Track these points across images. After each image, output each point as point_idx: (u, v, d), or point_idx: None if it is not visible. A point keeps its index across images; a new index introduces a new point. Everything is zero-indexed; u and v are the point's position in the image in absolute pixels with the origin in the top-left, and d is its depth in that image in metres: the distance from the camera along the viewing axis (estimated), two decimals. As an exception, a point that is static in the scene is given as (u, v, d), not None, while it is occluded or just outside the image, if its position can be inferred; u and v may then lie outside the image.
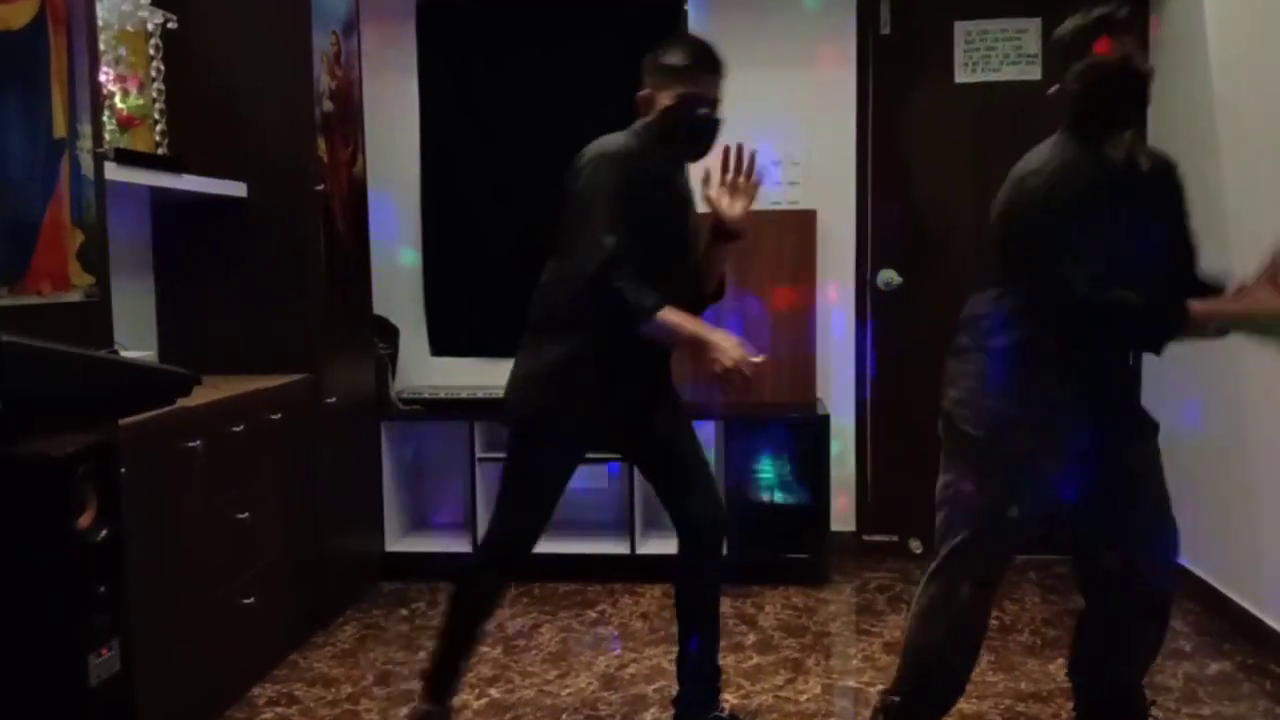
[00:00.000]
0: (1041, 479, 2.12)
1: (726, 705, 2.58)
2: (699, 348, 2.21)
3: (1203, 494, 3.45)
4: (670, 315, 2.20)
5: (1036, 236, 2.07)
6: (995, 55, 3.94)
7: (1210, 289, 2.15)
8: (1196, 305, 2.01)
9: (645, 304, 2.18)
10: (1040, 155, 2.13)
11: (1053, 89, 2.16)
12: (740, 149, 2.38)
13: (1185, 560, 3.56)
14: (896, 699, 2.26)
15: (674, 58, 2.33)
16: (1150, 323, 2.04)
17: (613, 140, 2.33)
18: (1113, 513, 2.17)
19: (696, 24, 3.99)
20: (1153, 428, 2.24)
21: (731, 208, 2.37)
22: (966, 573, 2.18)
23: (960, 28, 3.95)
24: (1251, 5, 3.16)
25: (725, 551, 3.80)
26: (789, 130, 4.00)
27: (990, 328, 2.17)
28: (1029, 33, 3.92)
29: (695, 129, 2.33)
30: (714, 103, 2.35)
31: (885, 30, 4.00)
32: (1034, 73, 3.91)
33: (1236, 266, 3.10)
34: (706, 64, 2.33)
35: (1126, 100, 2.11)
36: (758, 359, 2.24)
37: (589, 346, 2.32)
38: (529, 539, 2.46)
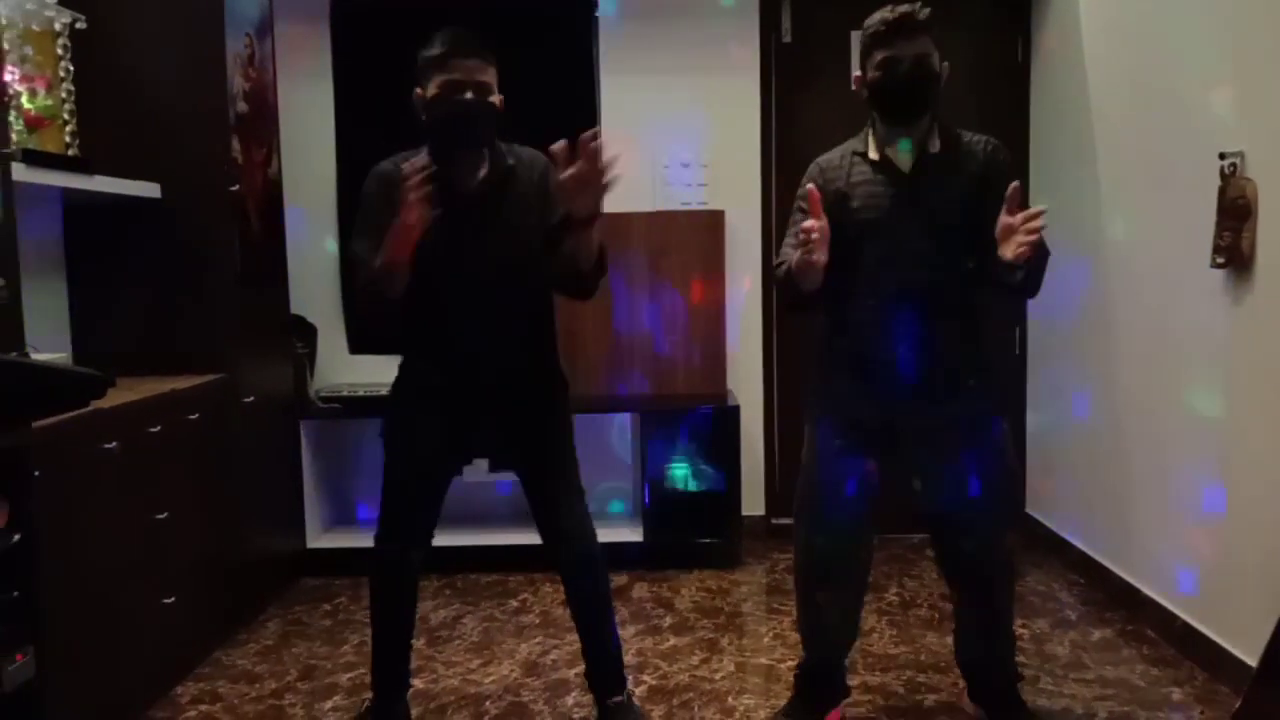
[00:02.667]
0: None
1: (633, 691, 2.64)
2: (403, 230, 2.14)
3: (1084, 475, 3.68)
4: (378, 256, 2.20)
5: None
6: (890, 63, 4.13)
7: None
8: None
9: (370, 266, 2.23)
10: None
11: (855, 79, 2.34)
12: (586, 137, 2.08)
13: (1069, 535, 3.80)
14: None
15: (430, 49, 2.26)
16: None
17: (386, 160, 2.38)
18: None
19: (608, 30, 4.10)
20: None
21: (572, 200, 2.13)
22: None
23: (856, 36, 4.08)
24: (1124, 20, 3.37)
25: (649, 540, 3.90)
26: (697, 133, 4.14)
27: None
28: (921, 41, 4.11)
29: (459, 115, 2.25)
30: (479, 86, 2.25)
31: (786, 38, 4.16)
32: (927, 79, 4.11)
33: (1111, 259, 3.34)
34: (462, 49, 2.24)
35: (914, 97, 2.26)
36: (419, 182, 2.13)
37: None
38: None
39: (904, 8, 2.23)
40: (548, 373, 2.50)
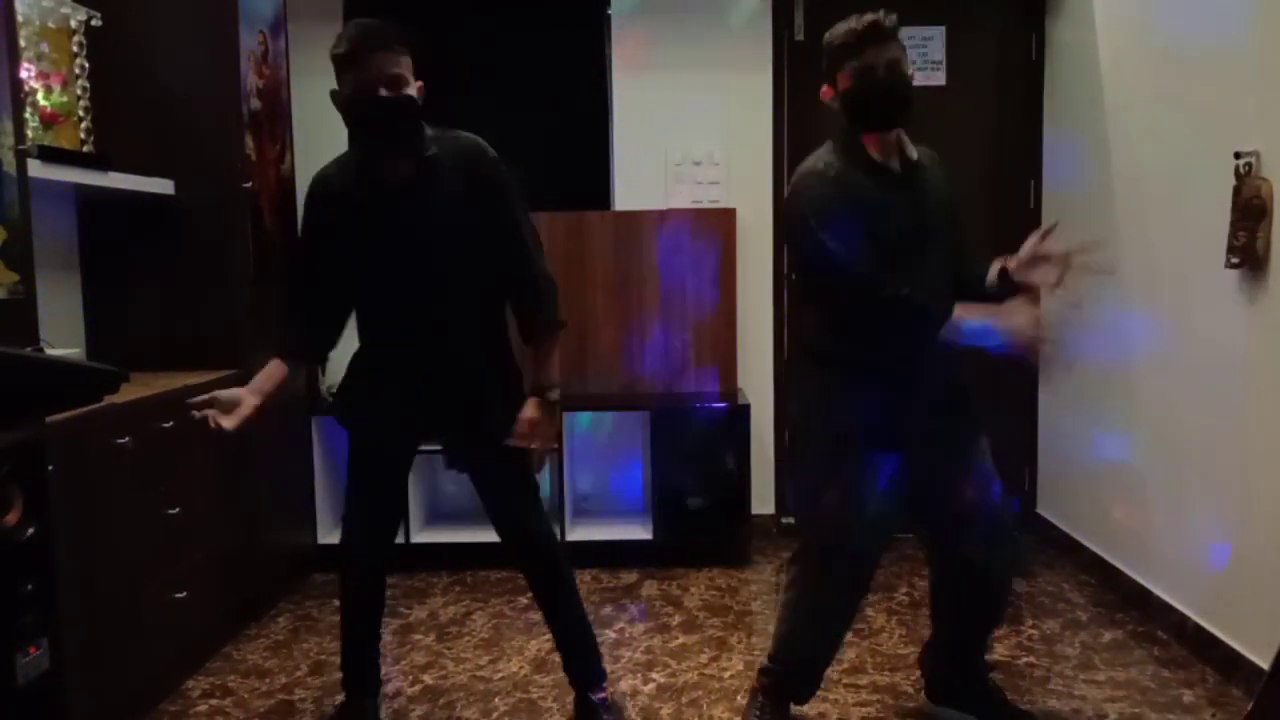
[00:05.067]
0: (883, 463, 2.31)
1: (608, 689, 2.64)
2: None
3: (1096, 476, 3.67)
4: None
5: (817, 237, 2.18)
6: (902, 61, 4.12)
7: (976, 285, 2.29)
8: (960, 311, 2.15)
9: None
10: (814, 158, 2.28)
11: (825, 92, 2.29)
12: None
13: (1082, 536, 3.79)
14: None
15: (337, 47, 2.19)
16: (921, 319, 2.17)
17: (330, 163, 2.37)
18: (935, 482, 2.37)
19: (619, 27, 4.10)
20: (963, 400, 2.38)
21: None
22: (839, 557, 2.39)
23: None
24: (1139, 18, 3.36)
25: (659, 538, 3.88)
26: (710, 131, 4.13)
27: (816, 340, 2.36)
28: (934, 40, 4.10)
29: (375, 114, 2.21)
30: (392, 80, 2.19)
31: (799, 36, 4.15)
32: (939, 78, 4.10)
33: (1125, 259, 3.33)
34: (369, 43, 2.18)
35: (894, 102, 2.23)
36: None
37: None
38: None
39: (869, 16, 2.19)
40: (496, 372, 2.44)
